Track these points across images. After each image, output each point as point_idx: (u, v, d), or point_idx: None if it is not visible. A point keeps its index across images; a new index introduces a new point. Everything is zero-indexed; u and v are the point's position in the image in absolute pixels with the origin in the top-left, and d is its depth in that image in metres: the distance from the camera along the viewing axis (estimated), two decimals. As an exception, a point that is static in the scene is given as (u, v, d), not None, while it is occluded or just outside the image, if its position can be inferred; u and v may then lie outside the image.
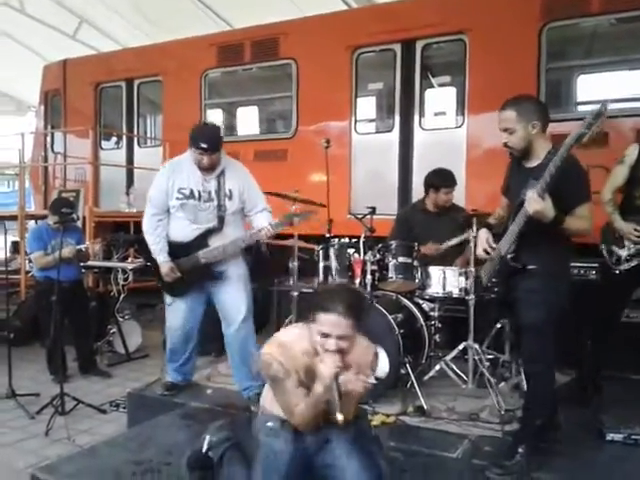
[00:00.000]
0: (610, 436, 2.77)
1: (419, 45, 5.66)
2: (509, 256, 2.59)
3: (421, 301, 3.69)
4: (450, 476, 2.54)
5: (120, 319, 5.57)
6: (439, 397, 3.29)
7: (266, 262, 5.99)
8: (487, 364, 3.35)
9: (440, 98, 6.06)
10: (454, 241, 3.66)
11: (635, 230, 3.06)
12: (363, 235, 3.48)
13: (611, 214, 3.17)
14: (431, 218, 4.00)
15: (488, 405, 3.15)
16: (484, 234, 2.78)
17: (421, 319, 3.50)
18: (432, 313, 3.66)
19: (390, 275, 3.45)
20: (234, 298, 3.44)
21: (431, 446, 2.73)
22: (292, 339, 2.10)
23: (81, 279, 5.20)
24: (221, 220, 3.40)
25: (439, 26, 5.44)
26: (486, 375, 3.26)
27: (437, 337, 3.64)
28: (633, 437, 2.74)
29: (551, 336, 2.53)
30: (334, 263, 3.51)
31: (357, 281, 3.42)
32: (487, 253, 2.74)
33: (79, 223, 5.41)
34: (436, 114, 6.08)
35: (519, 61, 5.02)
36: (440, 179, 3.97)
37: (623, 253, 3.14)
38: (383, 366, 3.07)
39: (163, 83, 7.15)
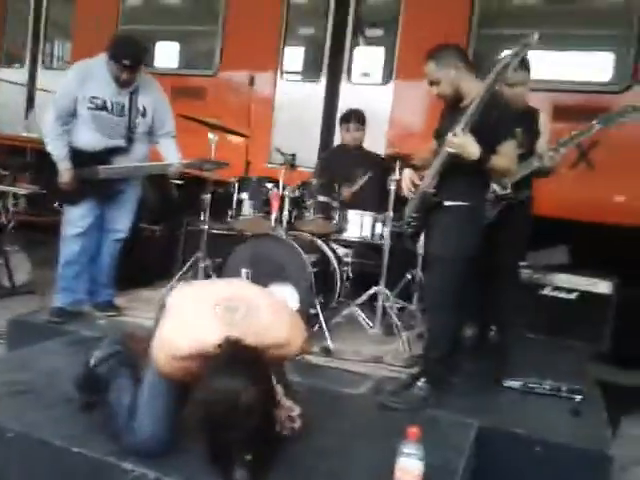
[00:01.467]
0: (508, 383, 2.84)
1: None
2: (430, 191, 2.56)
3: (336, 246, 3.61)
4: (353, 412, 2.48)
5: (8, 248, 5.11)
6: (346, 340, 3.24)
7: (173, 202, 5.75)
8: (395, 311, 3.34)
9: (370, 53, 5.97)
10: (359, 183, 3.61)
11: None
12: (283, 172, 3.32)
13: None
14: (349, 158, 3.92)
15: (393, 349, 3.15)
16: (408, 172, 2.74)
17: (335, 263, 3.43)
18: (346, 259, 3.60)
19: (308, 214, 3.33)
20: (121, 217, 3.38)
21: (335, 383, 2.70)
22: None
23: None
24: (129, 139, 3.23)
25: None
26: (394, 320, 3.26)
27: (347, 284, 3.59)
28: (529, 385, 2.83)
29: (457, 274, 2.52)
30: (249, 196, 3.32)
31: (273, 217, 3.27)
32: (411, 191, 2.69)
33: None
34: (364, 69, 5.98)
35: (452, 25, 5.00)
36: (345, 115, 4.05)
37: None
38: (292, 303, 2.98)
39: (76, 1, 6.54)
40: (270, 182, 3.35)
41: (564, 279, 3.86)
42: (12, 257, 5.09)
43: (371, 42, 5.99)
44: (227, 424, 1.52)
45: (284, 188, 3.28)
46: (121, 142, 3.19)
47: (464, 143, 2.35)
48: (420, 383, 2.51)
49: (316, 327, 3.15)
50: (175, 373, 1.77)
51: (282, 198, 3.27)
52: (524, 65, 2.93)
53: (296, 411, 1.93)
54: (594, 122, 2.94)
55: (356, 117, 4.01)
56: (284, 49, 5.71)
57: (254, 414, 1.52)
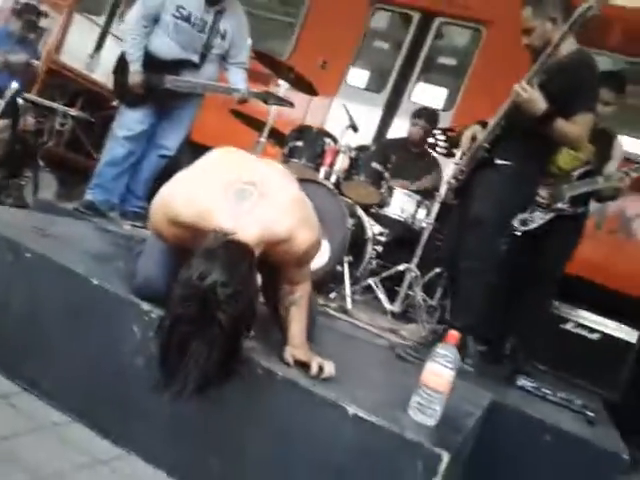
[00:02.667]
0: (521, 382, 2.71)
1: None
2: (484, 145, 2.47)
3: (373, 222, 3.55)
4: (368, 354, 2.38)
5: (41, 164, 5.08)
6: (364, 309, 3.14)
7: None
8: (420, 293, 3.24)
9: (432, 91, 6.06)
10: (423, 183, 3.58)
11: (541, 194, 2.95)
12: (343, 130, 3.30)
13: None
14: (409, 153, 3.91)
15: (410, 327, 3.03)
16: (475, 127, 2.65)
17: (369, 234, 3.35)
18: (380, 237, 3.52)
19: (356, 177, 3.28)
20: (172, 134, 3.35)
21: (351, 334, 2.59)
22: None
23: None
24: (203, 57, 3.23)
25: None
26: (417, 299, 3.16)
27: (374, 263, 3.51)
28: (543, 390, 2.69)
29: (496, 238, 2.44)
30: (305, 144, 3.29)
31: (323, 170, 3.23)
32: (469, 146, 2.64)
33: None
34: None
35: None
36: (419, 111, 4.15)
37: (524, 215, 3.04)
38: (322, 255, 2.91)
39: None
40: (329, 137, 3.32)
41: (590, 318, 3.74)
42: (42, 175, 5.07)
43: (436, 82, 6.12)
44: (187, 319, 1.32)
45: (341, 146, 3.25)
46: (194, 57, 3.19)
47: (531, 95, 2.25)
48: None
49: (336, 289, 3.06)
50: (166, 235, 1.68)
51: (337, 154, 3.23)
52: (618, 85, 2.93)
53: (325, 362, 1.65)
54: None
55: (428, 116, 4.02)
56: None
57: (222, 313, 1.31)
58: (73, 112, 4.99)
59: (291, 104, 3.39)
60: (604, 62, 4.78)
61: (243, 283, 1.37)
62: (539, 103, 2.26)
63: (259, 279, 1.50)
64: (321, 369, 1.58)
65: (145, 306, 1.68)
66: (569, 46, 2.38)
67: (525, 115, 2.31)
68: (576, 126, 2.34)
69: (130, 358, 1.65)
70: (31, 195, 4.99)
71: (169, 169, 3.44)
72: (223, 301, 1.31)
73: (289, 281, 1.74)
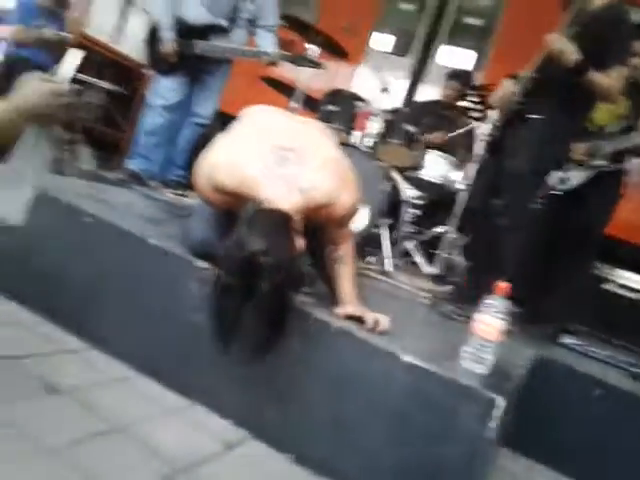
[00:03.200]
0: (566, 340, 2.74)
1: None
2: (515, 99, 2.47)
3: (408, 186, 3.57)
4: (410, 308, 2.43)
5: (79, 138, 5.17)
6: (404, 272, 3.18)
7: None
8: (457, 255, 3.27)
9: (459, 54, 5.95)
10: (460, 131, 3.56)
11: (579, 151, 2.94)
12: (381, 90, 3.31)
13: None
14: (441, 119, 3.90)
15: (450, 290, 3.07)
16: (509, 82, 2.60)
17: (404, 196, 3.38)
18: (416, 201, 3.54)
19: (390, 139, 3.30)
20: (206, 101, 3.40)
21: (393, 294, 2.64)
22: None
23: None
24: (232, 21, 3.27)
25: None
26: (456, 260, 3.19)
27: (411, 227, 3.54)
28: (587, 348, 2.72)
29: (531, 195, 2.45)
30: (339, 107, 3.30)
31: (357, 133, 3.25)
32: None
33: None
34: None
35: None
36: (452, 73, 4.09)
37: (565, 175, 3.06)
38: (361, 219, 2.95)
39: None
40: (361, 101, 3.33)
41: (630, 277, 3.73)
42: (80, 148, 5.16)
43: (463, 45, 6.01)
44: (233, 289, 1.41)
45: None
46: (223, 22, 3.23)
47: (563, 45, 2.24)
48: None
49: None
50: (212, 200, 1.73)
51: (369, 117, 3.25)
52: None
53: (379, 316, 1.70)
54: None
55: (461, 77, 3.99)
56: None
57: (264, 281, 1.37)
58: (107, 85, 5.04)
59: (321, 66, 3.38)
60: (637, 16, 4.66)
61: (283, 251, 1.43)
62: (572, 54, 2.25)
63: (303, 243, 1.55)
64: (377, 323, 1.64)
65: (201, 264, 1.75)
66: None
67: (558, 67, 2.29)
68: (610, 79, 2.31)
69: (190, 314, 1.73)
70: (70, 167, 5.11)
71: (203, 138, 3.53)
72: (264, 269, 1.37)
73: (332, 241, 1.78)
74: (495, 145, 2.68)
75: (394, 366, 1.50)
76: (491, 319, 1.59)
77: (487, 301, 1.61)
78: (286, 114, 1.97)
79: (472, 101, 3.49)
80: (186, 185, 3.48)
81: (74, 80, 1.38)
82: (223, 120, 4.65)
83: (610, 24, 2.29)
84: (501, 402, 1.43)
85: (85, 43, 5.88)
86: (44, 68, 4.09)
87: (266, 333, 1.46)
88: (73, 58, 1.38)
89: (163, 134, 3.28)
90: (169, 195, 3.20)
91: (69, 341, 1.81)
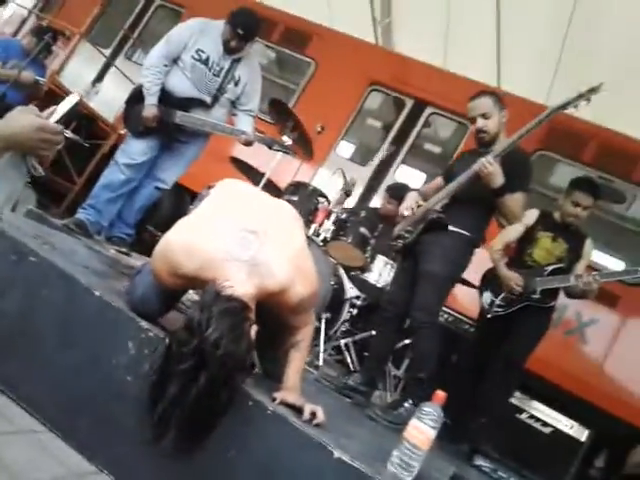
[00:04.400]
0: (479, 461, 2.76)
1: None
2: (436, 209, 2.70)
3: (351, 286, 3.64)
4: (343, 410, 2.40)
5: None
6: (333, 368, 3.17)
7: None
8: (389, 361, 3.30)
9: (413, 175, 6.34)
10: None
11: (516, 280, 3.14)
12: (341, 190, 3.44)
13: (497, 261, 3.24)
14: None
15: (376, 394, 3.07)
16: (414, 194, 2.91)
17: (348, 295, 3.44)
18: (356, 301, 3.60)
19: (344, 239, 3.39)
20: (172, 169, 3.44)
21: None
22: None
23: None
24: (215, 99, 3.36)
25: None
26: (387, 366, 3.21)
27: (347, 325, 3.57)
28: (498, 473, 2.75)
29: (444, 296, 2.68)
30: (300, 199, 3.40)
31: (313, 227, 3.34)
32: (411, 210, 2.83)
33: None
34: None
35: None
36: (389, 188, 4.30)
37: (496, 299, 3.26)
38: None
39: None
40: (323, 197, 3.44)
41: (543, 411, 3.85)
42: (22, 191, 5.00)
43: (418, 167, 6.42)
44: (179, 373, 1.37)
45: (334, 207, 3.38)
46: (207, 98, 3.32)
47: (495, 170, 2.54)
48: (407, 404, 2.48)
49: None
50: (167, 283, 1.71)
51: (328, 214, 3.35)
52: (595, 192, 3.18)
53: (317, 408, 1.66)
54: None
55: (393, 191, 4.16)
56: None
57: (211, 370, 1.36)
58: (69, 134, 5.01)
59: (295, 152, 3.51)
60: (579, 174, 5.15)
61: (236, 340, 1.42)
62: (499, 177, 2.56)
63: (255, 331, 1.53)
64: (313, 415, 1.61)
65: (144, 324, 1.69)
66: (505, 139, 2.73)
67: (483, 186, 2.59)
68: (516, 202, 2.68)
69: (121, 374, 1.65)
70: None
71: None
72: (212, 359, 1.36)
73: (290, 326, 1.78)
74: (409, 249, 2.86)
75: (326, 461, 1.47)
76: (425, 427, 1.60)
77: (424, 408, 1.62)
78: (259, 193, 2.01)
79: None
80: (130, 244, 3.43)
81: (62, 121, 1.39)
82: (177, 191, 4.70)
83: (518, 157, 2.68)
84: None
85: (57, 91, 5.91)
86: (14, 104, 4.10)
87: (200, 424, 1.42)
88: (68, 102, 1.40)
89: (120, 191, 3.26)
90: (112, 251, 3.13)
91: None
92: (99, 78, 7.00)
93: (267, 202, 1.93)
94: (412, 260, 2.79)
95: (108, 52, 7.23)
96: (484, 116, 2.71)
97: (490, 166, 2.52)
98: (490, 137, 2.74)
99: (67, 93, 6.05)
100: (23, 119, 1.29)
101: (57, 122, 1.36)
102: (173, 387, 1.37)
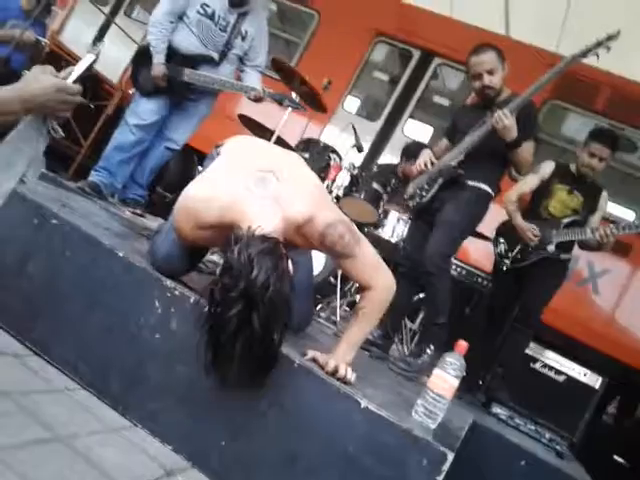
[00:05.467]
0: (496, 409, 2.82)
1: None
2: (452, 165, 2.69)
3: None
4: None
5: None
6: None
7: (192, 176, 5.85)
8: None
9: (420, 128, 6.27)
10: None
11: (533, 230, 3.14)
12: (353, 146, 3.42)
13: (513, 212, 3.24)
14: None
15: (394, 346, 3.12)
16: (428, 151, 2.91)
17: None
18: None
19: (356, 195, 3.39)
20: (182, 128, 3.42)
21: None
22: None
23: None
24: (223, 55, 3.33)
25: None
26: (404, 321, 3.25)
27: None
28: (515, 420, 2.81)
29: (456, 243, 2.73)
30: (310, 156, 3.38)
31: (325, 184, 3.33)
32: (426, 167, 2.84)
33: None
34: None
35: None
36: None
37: (512, 252, 3.26)
38: (317, 266, 2.98)
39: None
40: (335, 153, 3.42)
41: (557, 360, 3.91)
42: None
43: (426, 121, 6.34)
44: (227, 321, 1.36)
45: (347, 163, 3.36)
46: (214, 54, 3.28)
47: (511, 123, 2.53)
48: (428, 351, 2.53)
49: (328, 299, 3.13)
50: (192, 239, 1.73)
51: (340, 170, 3.34)
52: (613, 144, 3.14)
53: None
54: None
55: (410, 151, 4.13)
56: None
57: (259, 313, 1.36)
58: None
59: (305, 108, 3.47)
60: (589, 123, 5.08)
61: (280, 279, 1.41)
62: (514, 130, 2.57)
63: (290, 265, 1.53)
64: (336, 370, 1.60)
65: (169, 282, 1.71)
66: (506, 90, 2.76)
67: (497, 140, 2.59)
68: (527, 151, 2.70)
69: (149, 332, 1.68)
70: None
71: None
72: (265, 299, 1.36)
73: (358, 281, 1.77)
74: (426, 207, 2.86)
75: (353, 411, 1.50)
76: (448, 376, 1.63)
77: (446, 358, 1.65)
78: (268, 143, 2.01)
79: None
80: (144, 205, 3.44)
81: (81, 80, 1.38)
82: (185, 152, 4.68)
83: (527, 108, 2.65)
84: (450, 457, 1.45)
85: (58, 52, 5.82)
86: (19, 68, 4.04)
87: (254, 367, 1.44)
88: (85, 61, 1.39)
89: (132, 152, 3.25)
90: (127, 213, 3.15)
91: (12, 345, 1.72)
92: (99, 37, 6.87)
93: (279, 150, 1.97)
94: (428, 218, 2.80)
95: (107, 10, 7.10)
96: (490, 72, 2.68)
97: (506, 119, 2.51)
98: (495, 92, 2.73)
99: (68, 53, 5.98)
100: (42, 80, 1.28)
101: (74, 82, 1.35)
102: (227, 333, 1.37)
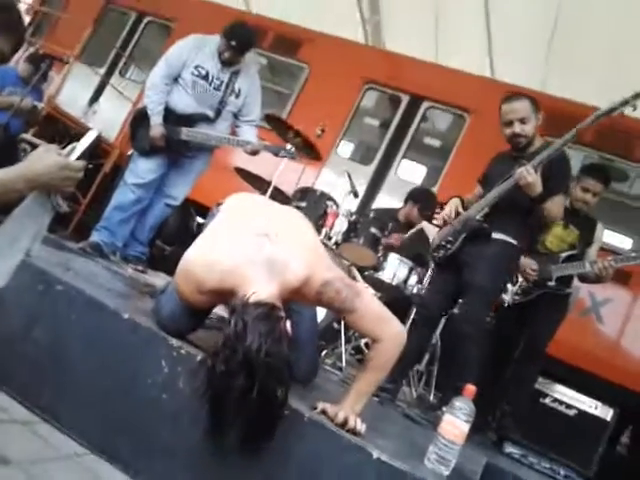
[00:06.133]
0: (509, 449, 2.79)
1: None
2: (477, 218, 2.69)
3: (367, 285, 3.66)
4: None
5: None
6: (356, 368, 3.20)
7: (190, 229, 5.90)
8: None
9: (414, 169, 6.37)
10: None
11: (532, 266, 3.16)
12: (348, 192, 3.48)
13: None
14: (401, 225, 4.10)
15: (402, 389, 3.10)
16: (455, 201, 2.91)
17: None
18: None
19: (355, 240, 3.42)
20: (181, 185, 3.50)
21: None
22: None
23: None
24: (218, 112, 3.42)
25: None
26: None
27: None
28: (529, 459, 2.77)
29: (490, 305, 2.70)
30: (307, 205, 3.43)
31: (324, 231, 3.37)
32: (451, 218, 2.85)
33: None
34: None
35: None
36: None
37: (513, 288, 3.27)
38: (320, 311, 2.99)
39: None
40: (331, 200, 3.47)
41: (567, 394, 3.87)
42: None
43: (419, 161, 6.44)
44: (231, 374, 1.38)
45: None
46: (210, 113, 3.38)
47: (534, 179, 2.52)
48: (444, 409, 2.48)
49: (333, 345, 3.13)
50: (193, 302, 1.75)
51: (337, 216, 3.39)
52: (605, 179, 3.21)
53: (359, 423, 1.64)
54: None
55: (414, 196, 4.23)
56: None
57: (261, 379, 1.38)
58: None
59: (302, 158, 3.55)
60: (578, 155, 5.17)
61: (276, 342, 1.43)
62: (538, 186, 2.54)
63: (287, 328, 1.56)
64: (346, 422, 1.59)
65: (175, 342, 1.73)
66: (539, 140, 2.75)
67: (523, 195, 2.58)
68: (556, 206, 2.68)
69: (156, 393, 1.69)
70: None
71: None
72: (262, 364, 1.38)
73: (364, 335, 1.79)
74: (451, 259, 2.86)
75: (366, 462, 1.50)
76: (458, 421, 1.63)
77: (456, 403, 1.65)
78: (265, 200, 2.05)
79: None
80: (145, 261, 3.48)
81: (84, 157, 1.41)
82: (183, 205, 4.74)
83: (556, 161, 2.62)
84: (467, 506, 1.44)
85: (55, 115, 5.96)
86: (17, 133, 4.14)
87: (258, 431, 1.44)
88: (88, 138, 1.42)
89: (131, 210, 3.31)
90: (129, 270, 3.17)
91: (21, 412, 1.72)
92: (95, 98, 7.05)
93: (276, 208, 2.02)
94: (454, 269, 2.81)
95: (102, 71, 7.29)
96: (522, 121, 2.68)
97: (529, 176, 2.51)
98: (527, 141, 2.73)
99: (65, 116, 6.13)
100: (46, 159, 1.31)
101: (78, 158, 1.38)
102: (231, 403, 1.38)
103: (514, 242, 2.67)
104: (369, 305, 1.72)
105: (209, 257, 1.71)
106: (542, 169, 2.57)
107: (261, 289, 1.58)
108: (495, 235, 2.67)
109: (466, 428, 1.64)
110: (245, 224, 1.79)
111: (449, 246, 2.84)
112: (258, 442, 1.47)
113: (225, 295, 1.64)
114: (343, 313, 1.72)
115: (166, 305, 1.88)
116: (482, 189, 2.92)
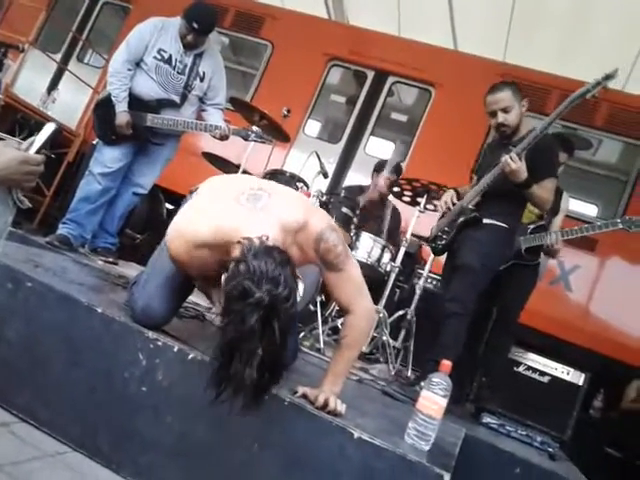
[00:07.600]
0: (486, 419, 2.85)
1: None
2: (469, 207, 2.72)
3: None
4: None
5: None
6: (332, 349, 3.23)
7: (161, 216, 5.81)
8: (386, 332, 3.37)
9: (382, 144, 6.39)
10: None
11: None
12: (314, 176, 3.47)
13: None
14: (373, 202, 4.12)
15: (379, 367, 3.14)
16: (451, 192, 2.95)
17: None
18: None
19: (327, 220, 3.42)
20: (148, 173, 3.44)
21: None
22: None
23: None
24: (184, 97, 3.36)
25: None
26: (386, 338, 3.28)
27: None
28: (506, 427, 2.84)
29: (478, 286, 2.69)
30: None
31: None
32: (447, 209, 2.88)
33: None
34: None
35: (468, 142, 5.46)
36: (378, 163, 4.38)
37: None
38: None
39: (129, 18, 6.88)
40: (301, 182, 3.46)
41: (540, 361, 3.97)
42: None
43: (387, 137, 6.45)
44: (249, 332, 1.35)
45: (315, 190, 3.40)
46: (175, 98, 3.31)
47: (518, 166, 2.56)
48: (422, 384, 2.52)
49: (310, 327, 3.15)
50: (189, 262, 1.70)
51: (308, 197, 3.37)
52: (569, 149, 3.25)
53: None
54: (618, 220, 3.12)
55: (393, 168, 4.24)
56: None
57: (279, 320, 1.38)
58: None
59: (271, 141, 3.52)
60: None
61: (290, 285, 1.43)
62: (523, 173, 2.59)
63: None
64: (326, 404, 1.61)
65: (151, 334, 1.72)
66: (526, 125, 2.77)
67: (509, 182, 2.63)
68: (545, 190, 2.70)
69: (135, 386, 1.68)
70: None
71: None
72: (279, 309, 1.38)
73: (339, 301, 1.77)
74: (448, 248, 2.96)
75: (347, 442, 1.52)
76: (436, 397, 1.66)
77: (433, 379, 1.68)
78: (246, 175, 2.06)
79: (402, 188, 3.69)
80: (116, 252, 3.43)
81: (43, 150, 1.37)
82: (151, 192, 4.67)
83: (542, 146, 2.65)
84: (447, 477, 1.48)
85: (13, 104, 5.79)
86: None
87: (268, 380, 1.42)
88: (46, 131, 1.38)
89: (99, 201, 3.24)
90: (99, 262, 3.13)
91: (-3, 413, 1.70)
92: (54, 85, 6.84)
93: (250, 177, 2.12)
94: (451, 257, 2.90)
95: (59, 57, 7.07)
96: (505, 110, 2.71)
97: (513, 163, 2.54)
98: (512, 130, 2.76)
99: (23, 104, 5.95)
100: (4, 154, 1.28)
101: (37, 152, 1.34)
102: (246, 344, 1.36)
103: (505, 225, 2.74)
104: (355, 272, 1.77)
105: (202, 212, 1.72)
106: (526, 155, 2.60)
107: (267, 230, 1.56)
108: (486, 220, 2.74)
109: (444, 403, 1.67)
110: (235, 188, 1.78)
111: (445, 236, 2.93)
112: (270, 386, 1.46)
113: (220, 250, 1.61)
114: (331, 270, 1.72)
115: (139, 297, 1.85)
116: (477, 179, 2.98)
